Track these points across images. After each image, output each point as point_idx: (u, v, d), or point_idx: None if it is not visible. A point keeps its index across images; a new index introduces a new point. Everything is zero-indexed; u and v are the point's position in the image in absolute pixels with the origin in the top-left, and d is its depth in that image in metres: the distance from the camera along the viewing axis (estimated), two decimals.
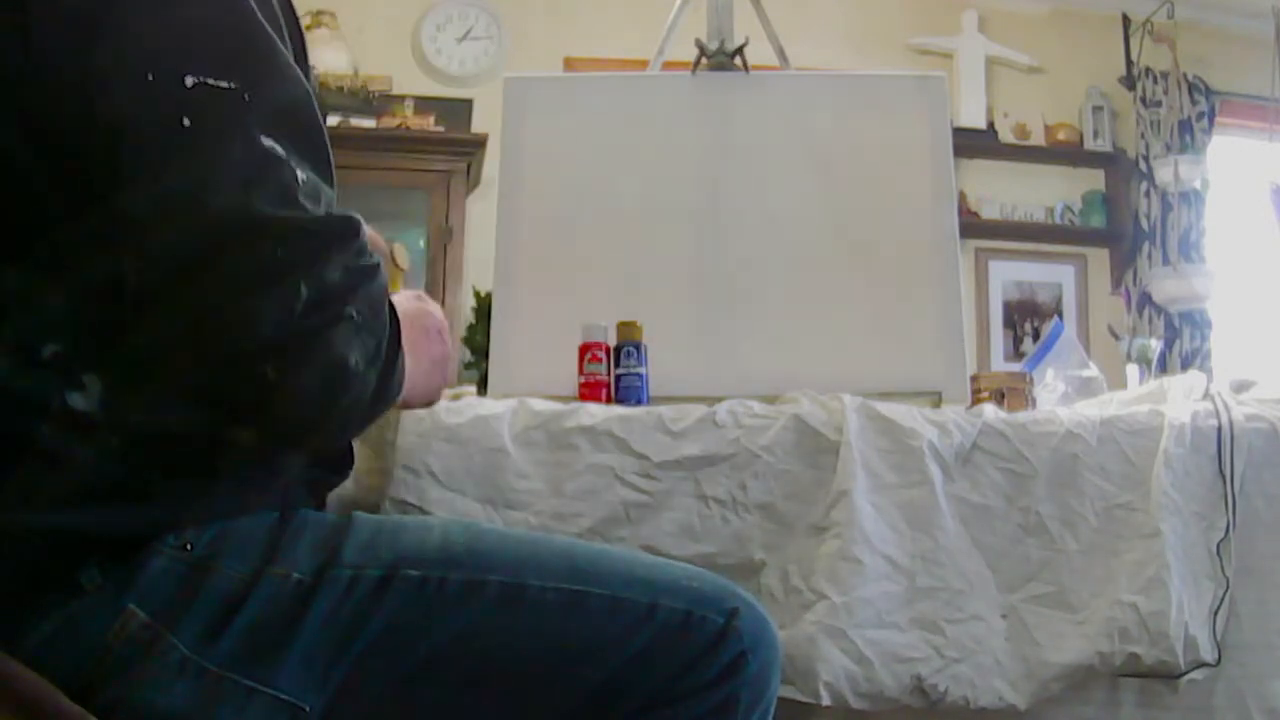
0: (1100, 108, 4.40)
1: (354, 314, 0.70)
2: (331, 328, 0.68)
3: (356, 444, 1.02)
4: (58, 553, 0.71)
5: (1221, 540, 1.18)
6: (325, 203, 0.72)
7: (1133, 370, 2.16)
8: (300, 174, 0.70)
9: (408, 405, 1.11)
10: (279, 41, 0.73)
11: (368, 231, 0.75)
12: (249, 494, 0.79)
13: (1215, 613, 1.15)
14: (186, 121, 0.67)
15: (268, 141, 0.69)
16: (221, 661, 0.73)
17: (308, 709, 0.75)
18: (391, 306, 0.76)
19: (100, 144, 0.67)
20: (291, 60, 0.74)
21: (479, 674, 0.81)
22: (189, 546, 0.75)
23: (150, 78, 0.67)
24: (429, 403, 1.11)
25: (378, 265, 0.73)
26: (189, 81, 0.68)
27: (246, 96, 0.69)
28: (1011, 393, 1.44)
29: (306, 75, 0.79)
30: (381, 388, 0.74)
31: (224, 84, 0.69)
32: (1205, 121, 4.36)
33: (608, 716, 0.83)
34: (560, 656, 0.82)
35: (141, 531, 0.74)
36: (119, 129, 0.67)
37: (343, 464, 0.95)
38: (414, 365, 0.90)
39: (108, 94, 0.67)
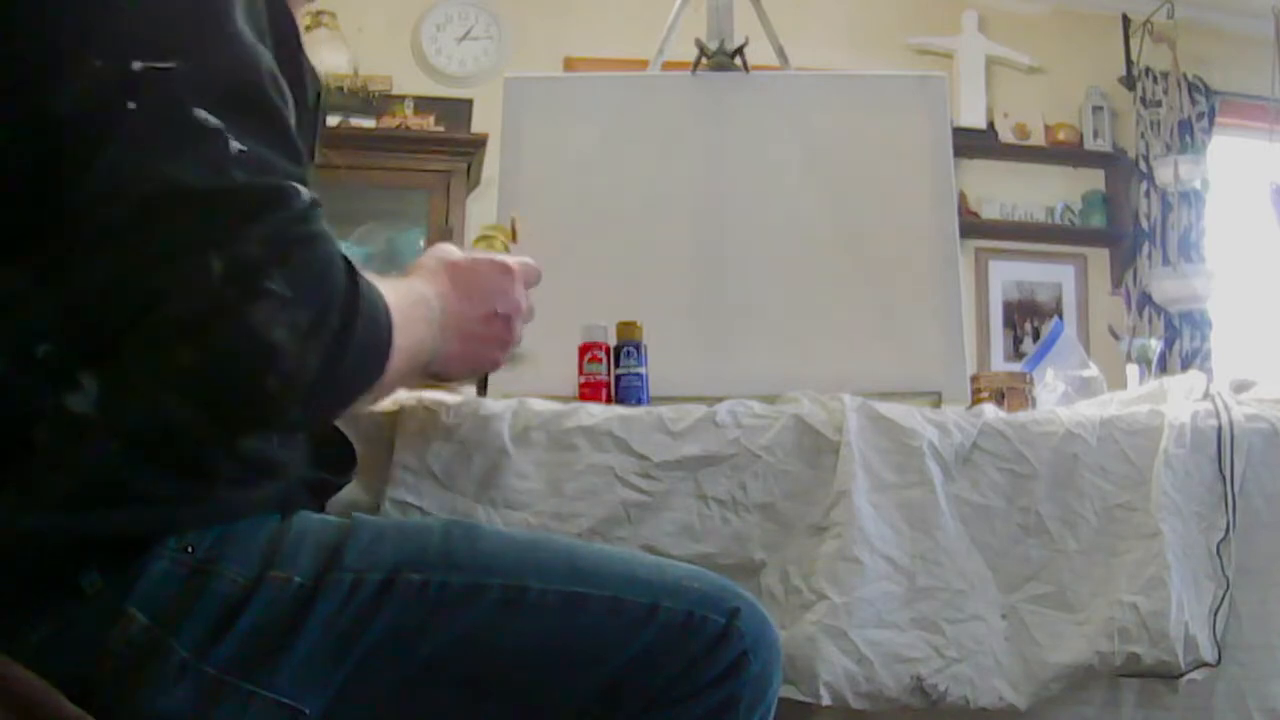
0: (1100, 108, 4.39)
1: (276, 287, 0.65)
2: (248, 303, 0.64)
3: (356, 444, 1.01)
4: (58, 555, 0.71)
5: (1221, 540, 1.18)
6: (281, 177, 0.70)
7: (1133, 370, 2.16)
8: (237, 145, 0.68)
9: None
10: (237, 19, 0.72)
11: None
12: (248, 496, 0.79)
13: (1215, 613, 1.15)
14: (131, 105, 0.66)
15: (201, 114, 0.67)
16: (221, 665, 0.73)
17: (308, 712, 0.75)
18: (358, 276, 0.71)
19: (58, 135, 0.66)
20: (250, 38, 0.72)
21: (480, 677, 0.81)
22: (190, 550, 0.75)
23: (99, 64, 0.67)
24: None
25: (316, 234, 0.69)
26: (136, 66, 0.67)
27: (186, 72, 0.68)
28: (1011, 393, 1.44)
29: (296, 59, 0.78)
30: (332, 364, 0.68)
31: (169, 64, 0.68)
32: (1205, 121, 4.36)
33: (609, 717, 0.82)
34: (561, 658, 0.82)
35: (140, 533, 0.73)
36: (71, 118, 0.66)
37: (345, 465, 0.95)
38: (442, 337, 0.87)
39: (60, 86, 0.66)
